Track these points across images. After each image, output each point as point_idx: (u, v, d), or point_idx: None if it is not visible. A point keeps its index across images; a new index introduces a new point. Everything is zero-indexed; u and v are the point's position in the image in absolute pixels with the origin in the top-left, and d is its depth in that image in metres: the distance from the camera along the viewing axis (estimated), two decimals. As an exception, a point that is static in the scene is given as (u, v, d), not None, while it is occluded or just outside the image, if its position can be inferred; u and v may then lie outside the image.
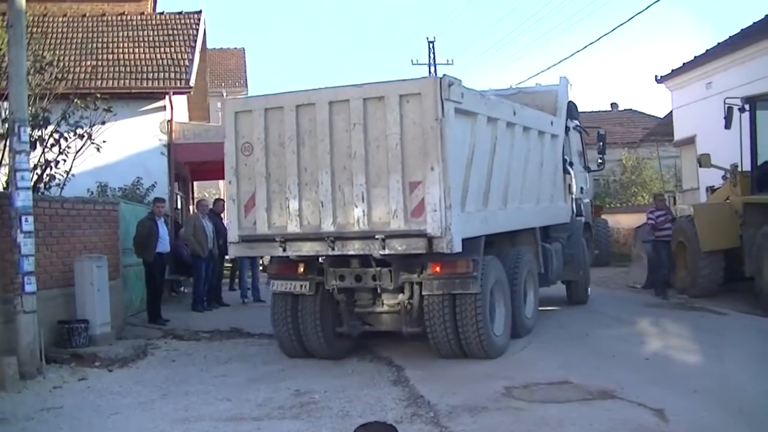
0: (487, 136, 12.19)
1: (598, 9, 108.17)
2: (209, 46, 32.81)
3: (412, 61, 46.69)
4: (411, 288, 11.66)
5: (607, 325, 14.92)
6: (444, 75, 10.83)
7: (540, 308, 14.94)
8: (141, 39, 26.69)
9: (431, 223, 10.59)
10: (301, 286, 12.08)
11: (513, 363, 11.69)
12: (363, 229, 11.01)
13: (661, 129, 35.40)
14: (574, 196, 17.11)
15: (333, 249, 11.21)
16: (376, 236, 10.83)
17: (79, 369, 12.12)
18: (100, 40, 26.30)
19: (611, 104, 51.56)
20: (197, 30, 27.56)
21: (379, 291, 11.83)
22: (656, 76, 29.47)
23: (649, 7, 25.69)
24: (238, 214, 11.97)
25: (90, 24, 27.41)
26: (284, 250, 11.56)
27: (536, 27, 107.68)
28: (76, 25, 27.22)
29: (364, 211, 10.97)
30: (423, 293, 11.54)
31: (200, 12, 28.60)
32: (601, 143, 20.23)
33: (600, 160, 20.46)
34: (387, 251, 10.89)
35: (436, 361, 11.80)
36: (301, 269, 12.09)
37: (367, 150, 10.95)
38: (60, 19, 27.53)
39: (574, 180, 16.97)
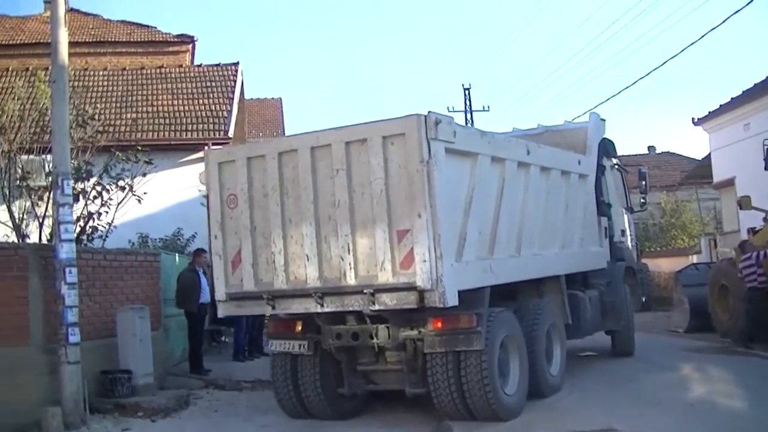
0: (493, 178, 11.33)
1: (633, 53, 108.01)
2: (247, 96, 33.19)
3: (448, 108, 46.83)
4: (414, 345, 10.83)
5: (650, 370, 14.68)
6: (429, 112, 9.84)
7: (581, 353, 14.86)
8: (180, 91, 27.10)
9: (421, 275, 9.72)
10: (300, 345, 11.40)
11: (555, 411, 11.48)
12: (350, 284, 10.22)
13: (699, 171, 35.19)
14: (614, 239, 16.36)
15: (322, 306, 10.48)
16: (365, 291, 10.05)
17: (123, 419, 12.15)
18: (139, 92, 26.77)
19: (648, 147, 51.32)
20: (235, 81, 27.96)
21: (378, 348, 11.07)
22: (693, 118, 29.39)
23: (683, 51, 25.66)
24: (225, 270, 11.31)
25: (130, 77, 27.92)
26: (273, 308, 10.94)
27: (572, 72, 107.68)
28: (116, 78, 27.73)
29: (350, 264, 10.19)
30: (425, 351, 10.69)
31: (237, 63, 29.20)
32: (643, 182, 19.11)
33: (643, 200, 19.51)
34: (377, 306, 10.10)
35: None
36: (299, 327, 11.43)
37: (351, 197, 10.21)
38: (100, 73, 28.10)
39: (611, 222, 16.25)
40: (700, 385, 13.09)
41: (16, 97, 18.34)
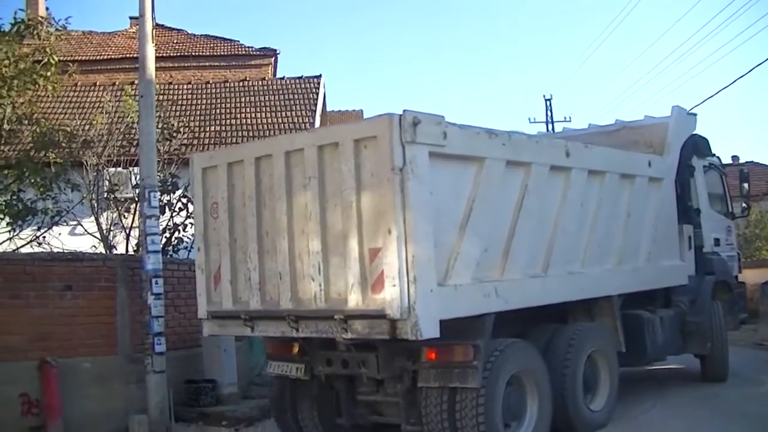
0: (509, 186, 9.72)
1: (711, 64, 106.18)
2: (329, 108, 33.38)
3: (529, 119, 46.59)
4: (411, 377, 9.37)
5: (737, 384, 14.26)
6: (405, 111, 8.37)
7: (663, 366, 14.37)
8: (263, 104, 27.36)
9: (390, 302, 8.17)
10: (296, 369, 10.16)
11: (636, 427, 11.26)
12: (320, 307, 8.89)
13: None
14: (704, 250, 14.43)
15: (297, 330, 9.17)
16: (335, 317, 8.65)
17: (207, 428, 12.27)
18: (223, 105, 27.06)
19: (732, 157, 50.31)
20: (317, 93, 28.13)
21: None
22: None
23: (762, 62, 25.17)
24: (207, 286, 10.32)
25: (213, 90, 28.25)
26: (252, 329, 9.77)
27: (655, 79, 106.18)
28: (200, 92, 28.08)
29: (321, 286, 8.83)
30: (418, 384, 9.23)
31: (320, 76, 29.26)
32: (744, 184, 16.76)
33: (745, 205, 17.22)
34: (350, 335, 8.69)
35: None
36: (296, 350, 10.21)
37: (323, 209, 8.86)
38: (185, 87, 28.45)
39: (699, 231, 14.40)
40: (788, 400, 12.69)
41: (104, 112, 18.70)
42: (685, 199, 14.06)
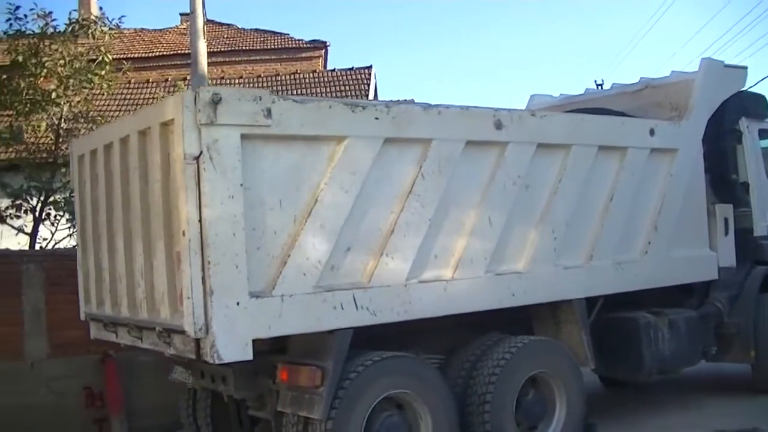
0: (391, 168, 7.81)
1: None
2: (380, 97, 33.40)
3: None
4: (276, 397, 7.82)
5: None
6: (202, 88, 7.28)
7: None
8: (314, 95, 27.35)
9: (186, 317, 6.76)
10: (188, 375, 8.91)
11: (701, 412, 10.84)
12: (144, 317, 7.63)
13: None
14: (755, 234, 11.78)
15: (141, 340, 7.90)
16: (156, 328, 7.38)
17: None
18: (275, 99, 27.05)
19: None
20: (368, 84, 27.97)
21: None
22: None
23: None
24: (85, 286, 9.20)
25: (265, 84, 28.34)
26: (116, 335, 8.50)
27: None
28: (252, 85, 28.14)
29: (144, 292, 7.56)
30: (277, 408, 7.74)
31: (370, 67, 29.07)
32: None
33: None
34: (172, 350, 7.40)
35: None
36: None
37: (145, 204, 7.52)
38: (237, 81, 28.59)
39: (746, 211, 11.78)
40: None
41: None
42: (725, 172, 11.62)
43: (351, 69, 29.42)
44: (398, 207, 7.83)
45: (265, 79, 28.89)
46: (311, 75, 29.54)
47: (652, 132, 10.32)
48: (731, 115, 11.69)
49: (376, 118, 7.72)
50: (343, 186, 7.44)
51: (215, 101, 6.70)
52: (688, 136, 10.88)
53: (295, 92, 27.29)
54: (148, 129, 7.32)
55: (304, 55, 34.22)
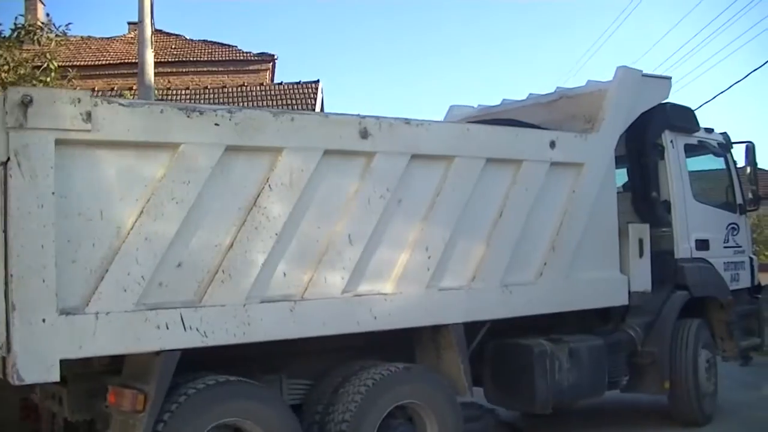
0: (232, 179, 7.09)
1: (715, 65, 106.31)
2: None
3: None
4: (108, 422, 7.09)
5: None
6: (11, 88, 6.56)
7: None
8: (261, 109, 27.38)
9: None
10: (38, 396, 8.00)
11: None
12: None
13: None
14: (678, 256, 10.91)
15: None
16: None
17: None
18: (221, 111, 27.06)
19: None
20: (315, 98, 28.29)
21: None
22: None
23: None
24: None
25: (211, 96, 28.59)
26: None
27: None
28: (198, 97, 28.43)
29: None
30: None
31: (317, 81, 29.42)
32: (749, 169, 12.45)
33: (753, 194, 12.55)
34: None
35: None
36: None
37: None
38: (183, 92, 28.66)
39: (665, 231, 10.92)
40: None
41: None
42: (644, 189, 10.87)
43: (298, 83, 29.67)
44: (240, 220, 7.06)
45: (212, 90, 29.10)
46: (258, 88, 29.71)
47: (552, 144, 9.27)
48: (653, 128, 10.92)
49: (216, 124, 6.98)
50: (175, 197, 6.70)
51: (25, 103, 6.03)
52: (596, 149, 9.80)
53: (241, 104, 27.33)
54: None
55: (251, 67, 34.33)
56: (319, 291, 7.38)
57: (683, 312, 10.75)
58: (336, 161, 7.57)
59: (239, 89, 29.17)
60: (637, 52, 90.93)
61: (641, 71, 10.66)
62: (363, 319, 7.65)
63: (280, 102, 27.91)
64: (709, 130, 11.97)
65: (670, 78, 11.23)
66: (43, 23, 16.84)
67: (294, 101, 28.06)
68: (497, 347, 9.20)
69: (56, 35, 16.33)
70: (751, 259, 12.52)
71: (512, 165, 8.84)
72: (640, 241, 10.23)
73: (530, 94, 11.73)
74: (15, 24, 15.83)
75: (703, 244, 11.30)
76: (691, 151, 11.45)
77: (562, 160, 9.28)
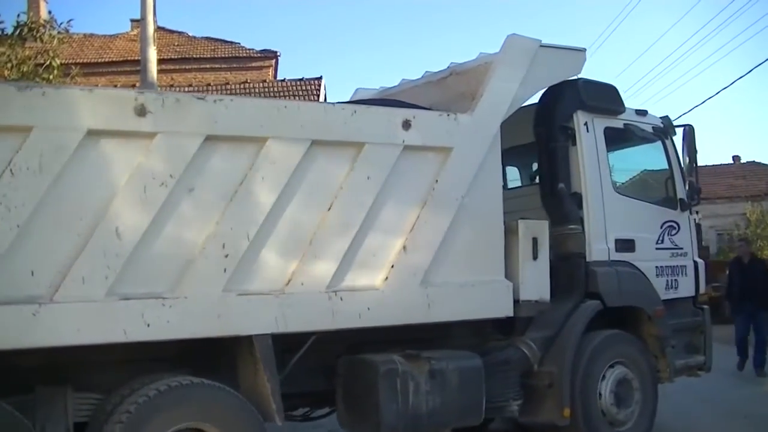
0: None
1: (712, 64, 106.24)
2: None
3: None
4: None
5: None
6: None
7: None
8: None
9: None
10: None
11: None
12: None
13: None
14: (591, 258, 9.13)
15: None
16: None
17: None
18: (224, 108, 27.03)
19: (733, 157, 50.07)
20: (318, 95, 28.21)
21: None
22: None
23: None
24: None
25: (214, 92, 28.25)
26: None
27: (655, 80, 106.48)
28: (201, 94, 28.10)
29: None
30: None
31: (320, 78, 29.34)
32: (688, 159, 10.50)
33: (689, 187, 10.50)
34: None
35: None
36: None
37: None
38: (186, 89, 28.48)
39: (571, 229, 9.06)
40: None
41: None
42: (551, 180, 9.30)
43: (301, 79, 29.60)
44: None
45: (214, 87, 28.82)
46: (261, 85, 29.62)
47: (406, 125, 7.75)
48: (561, 109, 9.34)
49: None
50: None
51: None
52: (470, 132, 8.13)
53: (244, 102, 27.28)
54: None
55: (254, 64, 34.32)
56: (72, 294, 6.15)
57: (603, 325, 9.12)
58: (108, 144, 6.42)
59: (242, 86, 29.03)
60: (625, 61, 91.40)
61: (540, 41, 8.82)
62: (134, 329, 6.34)
63: (283, 98, 27.73)
64: (642, 113, 10.18)
65: (584, 50, 9.42)
66: (45, 21, 16.80)
67: (297, 98, 27.91)
68: (348, 363, 7.81)
69: (59, 33, 16.28)
70: (695, 263, 10.44)
71: (350, 148, 7.47)
72: (534, 241, 8.57)
73: (426, 71, 10.01)
74: (17, 21, 15.76)
75: (626, 245, 9.50)
76: (615, 136, 9.70)
77: (420, 143, 7.82)
